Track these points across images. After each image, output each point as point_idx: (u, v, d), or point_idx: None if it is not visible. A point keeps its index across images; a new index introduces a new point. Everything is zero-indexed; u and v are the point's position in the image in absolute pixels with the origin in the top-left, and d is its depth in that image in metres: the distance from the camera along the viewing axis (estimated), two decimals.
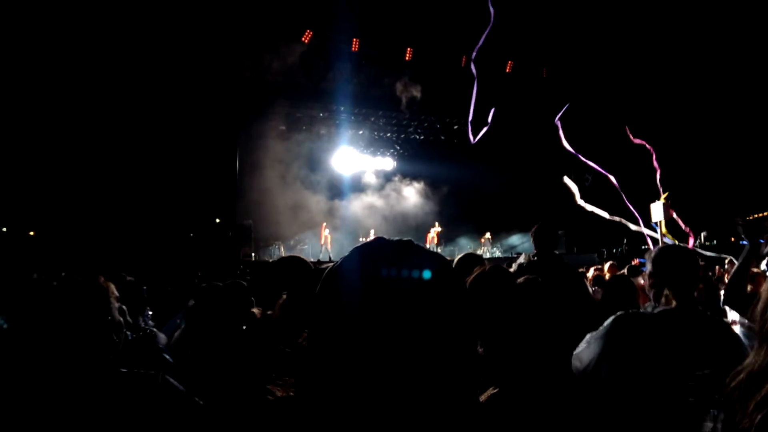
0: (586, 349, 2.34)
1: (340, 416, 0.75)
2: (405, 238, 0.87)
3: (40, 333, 1.40)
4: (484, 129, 8.06)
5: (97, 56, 10.71)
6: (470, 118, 7.97)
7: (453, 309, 0.80)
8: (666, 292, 2.37)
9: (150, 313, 3.66)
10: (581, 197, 13.28)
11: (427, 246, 15.80)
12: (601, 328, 2.37)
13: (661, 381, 1.99)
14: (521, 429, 1.47)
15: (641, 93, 14.01)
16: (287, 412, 0.80)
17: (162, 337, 3.25)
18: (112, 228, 10.28)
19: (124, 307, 3.18)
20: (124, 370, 1.42)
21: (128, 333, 2.84)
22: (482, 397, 0.98)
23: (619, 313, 2.40)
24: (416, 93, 18.06)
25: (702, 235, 10.33)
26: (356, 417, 0.74)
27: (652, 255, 2.55)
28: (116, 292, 1.73)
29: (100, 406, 1.34)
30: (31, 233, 10.07)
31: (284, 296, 2.47)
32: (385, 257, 0.80)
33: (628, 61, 14.06)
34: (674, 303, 2.35)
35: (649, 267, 2.53)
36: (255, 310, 3.19)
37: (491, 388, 1.34)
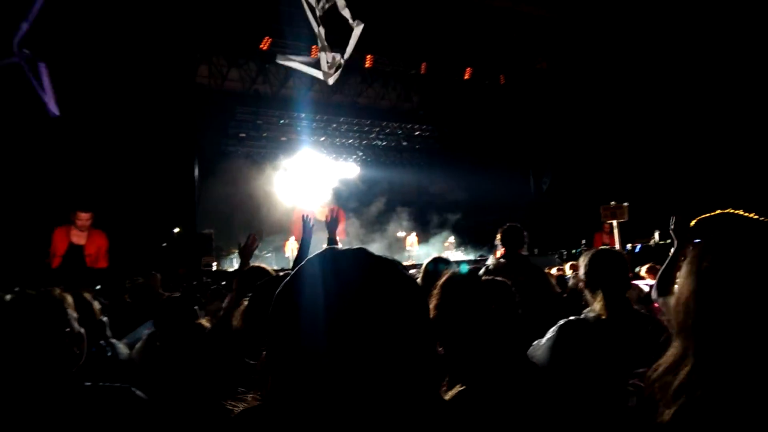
0: (536, 357, 2.42)
1: (306, 425, 0.74)
2: (356, 247, 0.89)
3: None
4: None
5: (53, 55, 10.31)
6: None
7: (408, 317, 0.80)
8: (598, 294, 2.49)
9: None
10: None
11: (408, 248, 15.80)
12: (546, 338, 2.45)
13: (604, 382, 2.07)
14: (488, 423, 1.51)
15: (598, 100, 14.45)
16: (254, 421, 0.79)
17: (122, 349, 3.15)
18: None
19: (104, 318, 3.05)
20: (89, 384, 1.37)
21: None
22: (448, 396, 1.00)
23: (561, 322, 2.49)
24: (378, 100, 18.15)
25: (656, 233, 10.69)
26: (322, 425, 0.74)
27: (586, 258, 2.66)
28: (74, 303, 1.67)
29: (65, 422, 1.28)
30: None
31: (244, 304, 2.42)
32: (335, 270, 0.82)
33: (583, 70, 14.49)
34: (601, 306, 2.46)
35: (582, 269, 2.63)
36: (203, 321, 3.11)
37: (458, 386, 1.38)
